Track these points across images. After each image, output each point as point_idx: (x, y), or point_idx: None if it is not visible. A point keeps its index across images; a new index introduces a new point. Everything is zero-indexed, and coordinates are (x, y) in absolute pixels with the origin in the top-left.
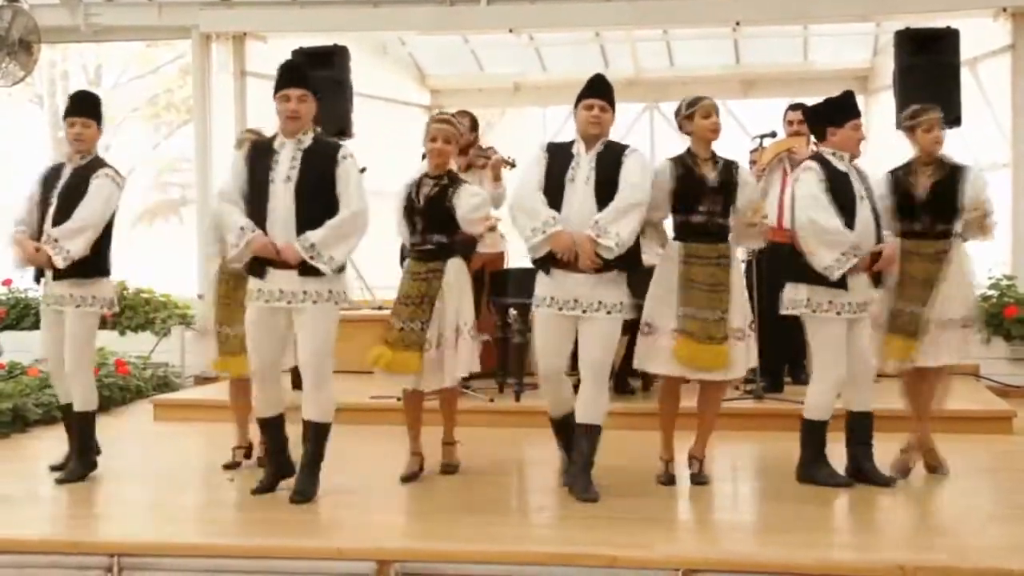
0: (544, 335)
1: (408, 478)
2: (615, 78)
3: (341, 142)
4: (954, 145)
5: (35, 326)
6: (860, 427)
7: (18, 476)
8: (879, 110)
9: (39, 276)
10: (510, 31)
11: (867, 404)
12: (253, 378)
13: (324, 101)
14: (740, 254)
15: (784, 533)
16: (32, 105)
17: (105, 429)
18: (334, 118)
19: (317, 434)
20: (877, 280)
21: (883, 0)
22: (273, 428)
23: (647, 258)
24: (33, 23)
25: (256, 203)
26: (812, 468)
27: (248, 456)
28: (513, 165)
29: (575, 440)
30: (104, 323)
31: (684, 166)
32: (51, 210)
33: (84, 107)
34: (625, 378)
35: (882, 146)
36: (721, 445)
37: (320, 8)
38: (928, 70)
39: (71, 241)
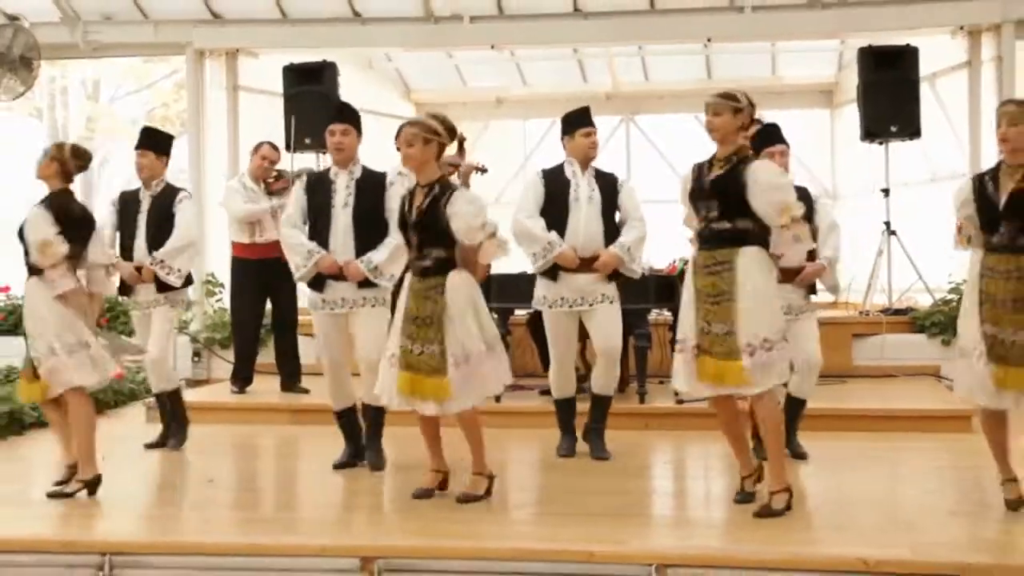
0: (558, 330)
1: (423, 495)
2: (593, 92)
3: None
4: (914, 157)
5: None
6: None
7: (12, 477)
8: (843, 123)
9: (126, 290)
10: (492, 47)
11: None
12: (327, 376)
13: (313, 114)
14: None
15: (753, 529)
16: (32, 119)
17: (98, 430)
18: (322, 130)
19: (377, 414)
20: (812, 289)
21: (847, 18)
22: (347, 418)
23: None
24: (33, 40)
25: (319, 226)
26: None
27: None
28: (484, 170)
29: (593, 408)
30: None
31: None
32: (139, 233)
33: (146, 140)
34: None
35: (848, 157)
36: (694, 445)
37: (309, 25)
38: (890, 85)
39: (177, 260)
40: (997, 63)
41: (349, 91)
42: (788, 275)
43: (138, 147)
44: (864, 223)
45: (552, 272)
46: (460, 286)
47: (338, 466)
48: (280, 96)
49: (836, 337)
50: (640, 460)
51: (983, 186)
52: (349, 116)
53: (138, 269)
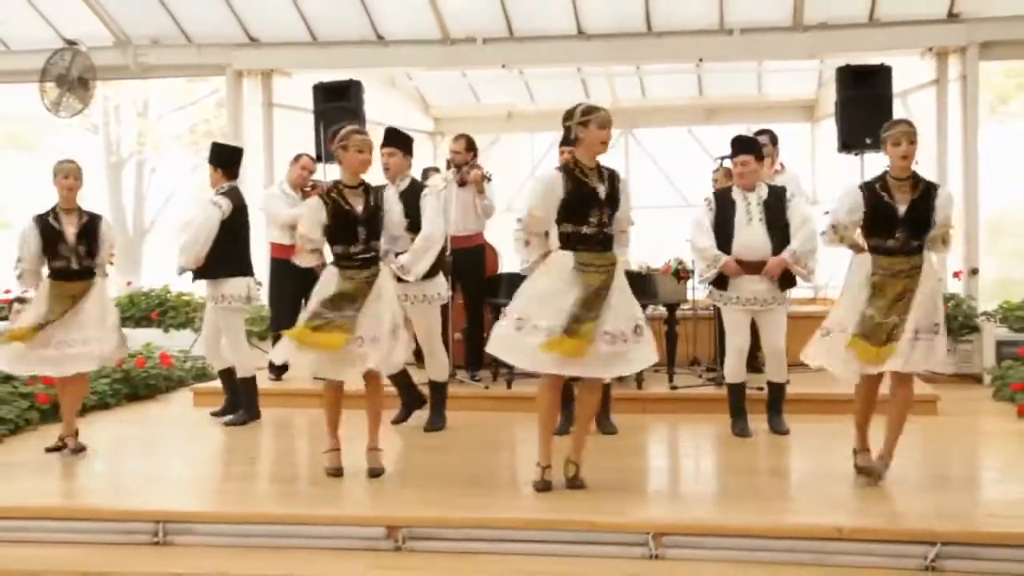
0: None
1: (337, 472)
2: None
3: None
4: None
5: None
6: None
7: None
8: (823, 136)
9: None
10: (503, 66)
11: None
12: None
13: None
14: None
15: (740, 501)
16: (89, 134)
17: (151, 413)
18: None
19: (437, 387)
20: (790, 281)
21: (826, 40)
22: (399, 376)
23: None
24: (90, 62)
25: None
26: (733, 423)
27: (74, 449)
28: (488, 179)
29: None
30: (150, 321)
31: (574, 178)
32: None
33: (210, 154)
34: None
35: (826, 166)
36: (686, 425)
37: (337, 48)
38: (865, 101)
39: (180, 257)
40: (963, 82)
41: (373, 107)
42: (752, 268)
43: (209, 161)
44: None
45: None
46: (388, 276)
47: (397, 421)
48: (310, 112)
49: (814, 330)
50: (638, 440)
51: (874, 195)
52: (393, 140)
53: None
